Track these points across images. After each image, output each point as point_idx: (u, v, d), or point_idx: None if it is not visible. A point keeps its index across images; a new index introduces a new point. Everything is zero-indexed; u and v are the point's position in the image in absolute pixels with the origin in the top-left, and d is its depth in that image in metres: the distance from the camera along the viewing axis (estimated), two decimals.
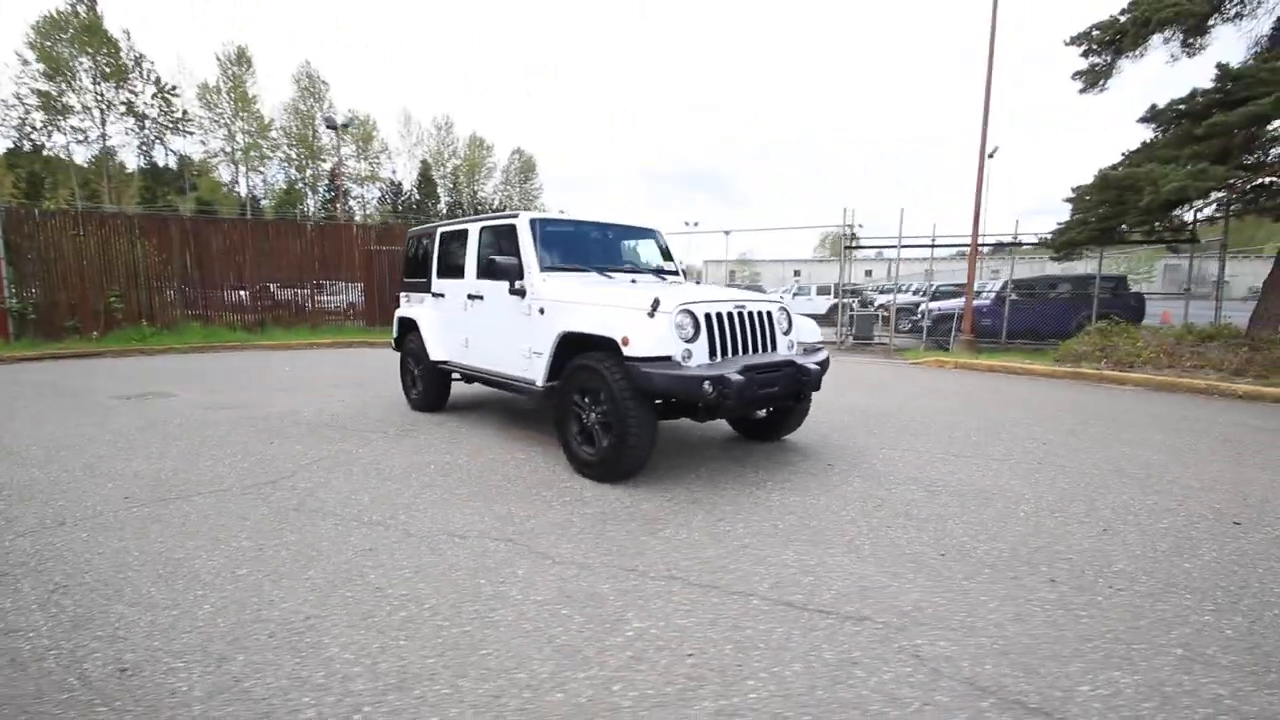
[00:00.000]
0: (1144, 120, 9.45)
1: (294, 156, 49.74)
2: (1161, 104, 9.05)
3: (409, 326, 6.14)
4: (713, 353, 3.79)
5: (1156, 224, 10.47)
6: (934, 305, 14.24)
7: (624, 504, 3.44)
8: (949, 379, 8.83)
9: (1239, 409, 6.37)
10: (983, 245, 13.70)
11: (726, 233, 17.99)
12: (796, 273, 49.02)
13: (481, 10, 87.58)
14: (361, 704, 1.78)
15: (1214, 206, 9.60)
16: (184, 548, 2.85)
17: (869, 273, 38.57)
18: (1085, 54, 10.44)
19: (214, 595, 2.40)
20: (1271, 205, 8.89)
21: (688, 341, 3.66)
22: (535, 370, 4.40)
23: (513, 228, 4.70)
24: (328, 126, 35.85)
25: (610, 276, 4.74)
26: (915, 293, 19.66)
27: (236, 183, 49.67)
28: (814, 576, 2.60)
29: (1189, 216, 10.39)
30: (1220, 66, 8.09)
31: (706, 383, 3.45)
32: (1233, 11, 9.76)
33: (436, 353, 5.62)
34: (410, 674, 1.92)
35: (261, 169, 49.83)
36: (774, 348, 4.18)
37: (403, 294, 6.38)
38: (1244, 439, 5.09)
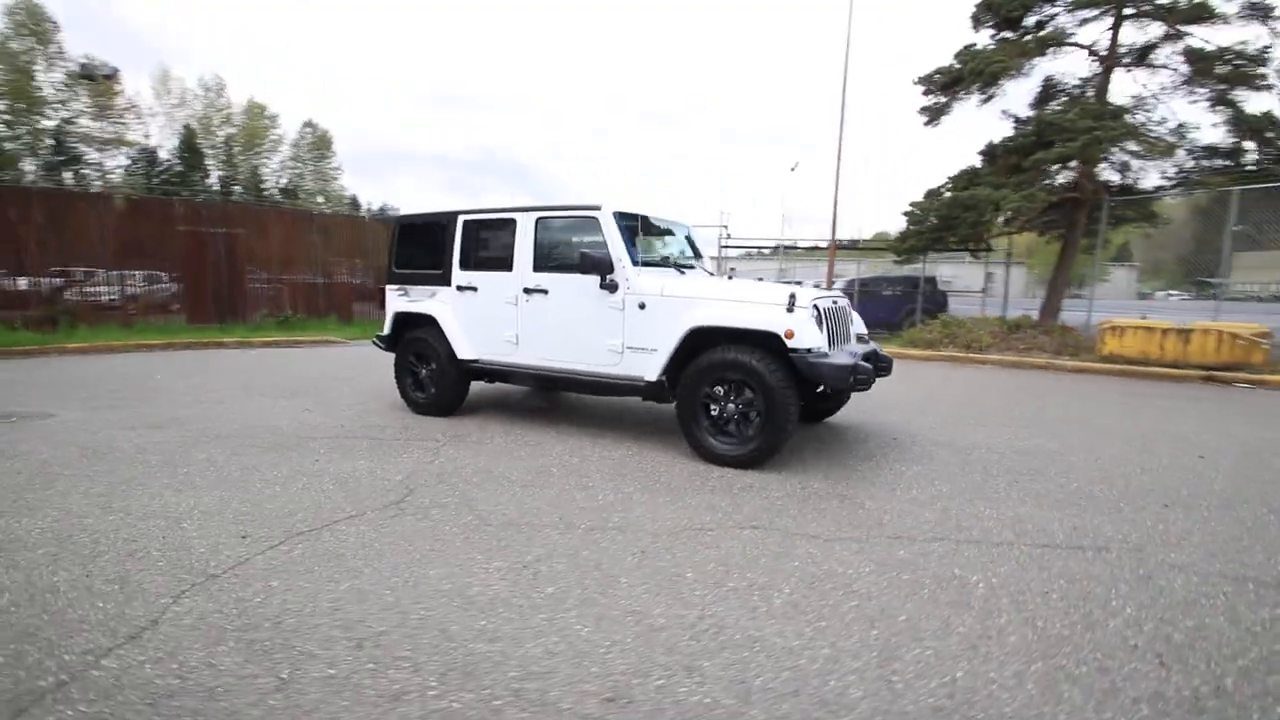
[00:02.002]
0: (983, 154, 11.80)
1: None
2: (989, 141, 11.42)
3: (412, 323, 5.54)
4: (829, 343, 4.16)
5: (969, 236, 13.10)
6: None
7: (791, 487, 3.66)
8: None
9: (1087, 380, 8.43)
10: (815, 244, 15.82)
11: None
12: None
13: None
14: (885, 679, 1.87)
15: (1017, 222, 12.27)
16: (426, 576, 2.48)
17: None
18: (926, 93, 12.68)
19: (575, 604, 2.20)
20: (1059, 221, 11.75)
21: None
22: (640, 366, 4.36)
23: (594, 220, 4.56)
24: (84, 76, 28.48)
25: (663, 269, 4.81)
26: None
27: None
28: (1022, 522, 3.13)
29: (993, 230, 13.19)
30: (1036, 115, 10.49)
31: (852, 371, 3.82)
32: (1021, 72, 12.59)
33: (465, 351, 5.17)
34: (891, 645, 2.04)
35: None
36: (849, 338, 4.67)
37: (394, 287, 5.70)
38: (1131, 404, 6.83)
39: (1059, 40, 11.56)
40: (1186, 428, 5.49)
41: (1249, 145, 11.30)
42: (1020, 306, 14.66)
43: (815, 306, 4.04)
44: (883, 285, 16.50)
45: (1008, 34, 12.84)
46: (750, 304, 4.05)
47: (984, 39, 12.67)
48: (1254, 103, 11.03)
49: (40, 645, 2.00)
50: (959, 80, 11.76)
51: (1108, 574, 2.60)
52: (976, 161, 12.84)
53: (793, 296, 3.94)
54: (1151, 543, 2.93)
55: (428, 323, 5.38)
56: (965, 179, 12.35)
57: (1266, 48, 10.85)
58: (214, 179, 53.22)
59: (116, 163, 45.06)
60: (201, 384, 7.11)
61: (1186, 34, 11.28)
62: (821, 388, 4.02)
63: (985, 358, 9.95)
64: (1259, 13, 10.44)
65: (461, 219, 5.24)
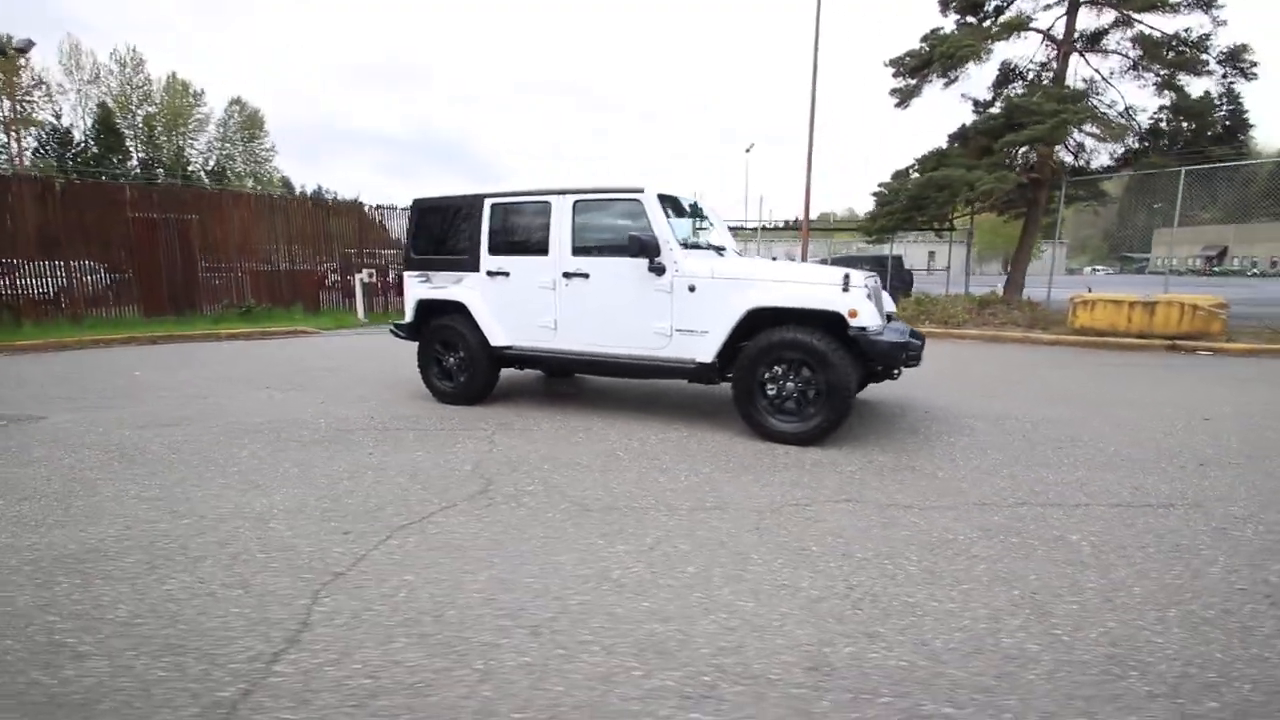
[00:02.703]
0: (955, 136, 12.21)
1: None
2: (962, 123, 11.83)
3: (436, 310, 5.39)
4: None
5: (937, 215, 13.58)
6: None
7: (859, 461, 3.77)
8: None
9: (1064, 352, 8.90)
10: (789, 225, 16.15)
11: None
12: None
13: None
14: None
15: (988, 201, 12.79)
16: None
17: None
18: (896, 75, 13.00)
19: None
20: (1019, 200, 12.32)
21: None
22: (690, 348, 4.38)
23: (637, 202, 4.53)
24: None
25: (705, 251, 4.83)
26: None
27: None
28: (1086, 485, 3.33)
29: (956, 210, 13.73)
30: (1006, 99, 10.93)
31: (904, 348, 3.96)
32: (984, 56, 13.04)
33: (498, 338, 5.07)
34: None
35: None
36: (886, 316, 4.82)
37: (414, 274, 5.51)
38: (1116, 373, 7.28)
39: (1021, 25, 12.03)
40: (1179, 393, 5.92)
41: (1188, 126, 12.10)
42: (973, 284, 15.35)
43: (867, 285, 4.15)
44: (852, 265, 16.97)
45: (970, 19, 13.29)
46: (808, 284, 4.12)
47: (950, 23, 13.06)
48: (1195, 87, 11.82)
49: (195, 656, 1.90)
50: (928, 63, 12.11)
51: (1185, 528, 2.82)
52: (942, 143, 13.31)
53: (847, 276, 4.04)
54: (1208, 498, 3.18)
55: (455, 309, 5.24)
56: (934, 160, 12.77)
57: (1207, 35, 11.62)
58: (135, 161, 49.72)
59: (26, 145, 41.46)
60: (188, 379, 6.74)
61: (1137, 20, 11.93)
62: (880, 366, 4.13)
63: (964, 333, 10.41)
64: (1202, 2, 11.12)
65: (489, 202, 5.10)
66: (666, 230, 4.44)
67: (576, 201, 4.77)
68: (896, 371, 4.25)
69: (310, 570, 2.42)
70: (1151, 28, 11.90)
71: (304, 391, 6.01)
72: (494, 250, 5.09)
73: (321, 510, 3.02)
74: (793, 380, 4.07)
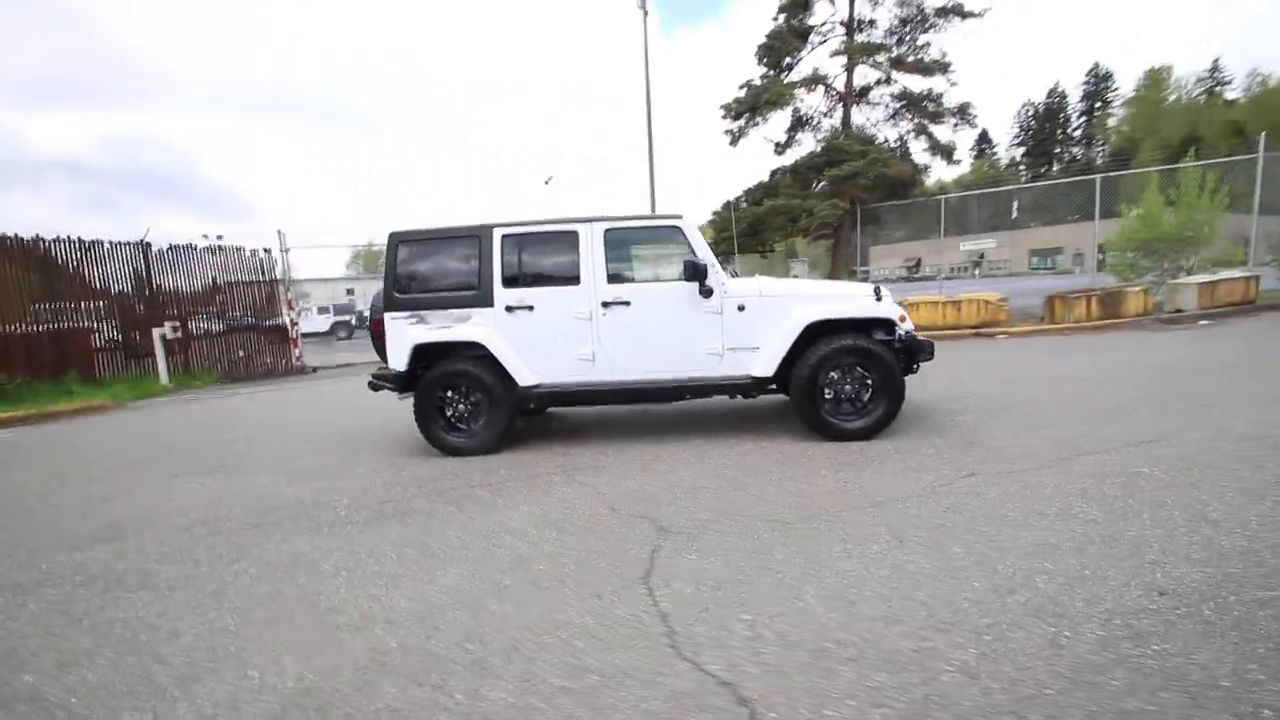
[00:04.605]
0: (791, 170, 14.02)
1: None
2: (795, 158, 13.72)
3: (437, 353, 4.82)
4: None
5: (769, 239, 15.47)
6: None
7: (920, 445, 4.30)
8: None
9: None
10: None
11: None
12: (349, 291, 46.52)
13: None
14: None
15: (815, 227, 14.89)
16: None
17: None
18: (724, 117, 14.62)
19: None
20: (832, 226, 14.63)
21: None
22: (743, 364, 4.60)
23: (678, 229, 4.64)
24: None
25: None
26: None
27: None
28: (1127, 435, 4.27)
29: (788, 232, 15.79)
30: (825, 139, 12.96)
31: (930, 347, 4.66)
32: (788, 104, 15.29)
33: (526, 377, 4.73)
34: None
35: None
36: None
37: (400, 314, 4.83)
38: (990, 354, 9.00)
39: (820, 80, 14.43)
40: (1074, 364, 7.36)
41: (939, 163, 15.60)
42: None
43: (889, 296, 4.78)
44: None
45: (771, 72, 15.53)
46: (854, 298, 4.63)
47: (758, 75, 15.13)
48: (940, 133, 15.30)
49: None
50: (755, 108, 13.90)
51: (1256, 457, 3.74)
52: (763, 177, 15.28)
53: (878, 289, 4.63)
54: (1163, 430, 4.29)
55: (463, 351, 4.77)
56: (760, 192, 14.59)
57: (942, 94, 15.13)
58: None
59: None
60: (43, 478, 5.04)
61: (895, 80, 15.06)
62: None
63: None
64: (940, 68, 14.47)
65: (499, 232, 4.76)
66: (709, 254, 4.62)
67: (608, 230, 4.71)
68: (915, 366, 4.94)
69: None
70: (905, 87, 15.11)
71: (243, 475, 4.89)
72: (510, 283, 4.75)
73: (567, 597, 2.65)
74: (849, 383, 4.51)
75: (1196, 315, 10.62)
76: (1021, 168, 63.78)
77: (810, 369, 4.48)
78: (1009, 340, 10.48)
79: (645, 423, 5.68)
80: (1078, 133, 67.88)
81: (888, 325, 4.52)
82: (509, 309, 4.76)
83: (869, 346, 4.43)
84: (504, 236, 4.77)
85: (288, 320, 13.50)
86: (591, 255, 4.69)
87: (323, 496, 4.12)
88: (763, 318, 4.60)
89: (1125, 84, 68.50)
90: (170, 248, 11.75)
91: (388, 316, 4.90)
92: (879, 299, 4.59)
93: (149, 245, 11.60)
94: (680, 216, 4.69)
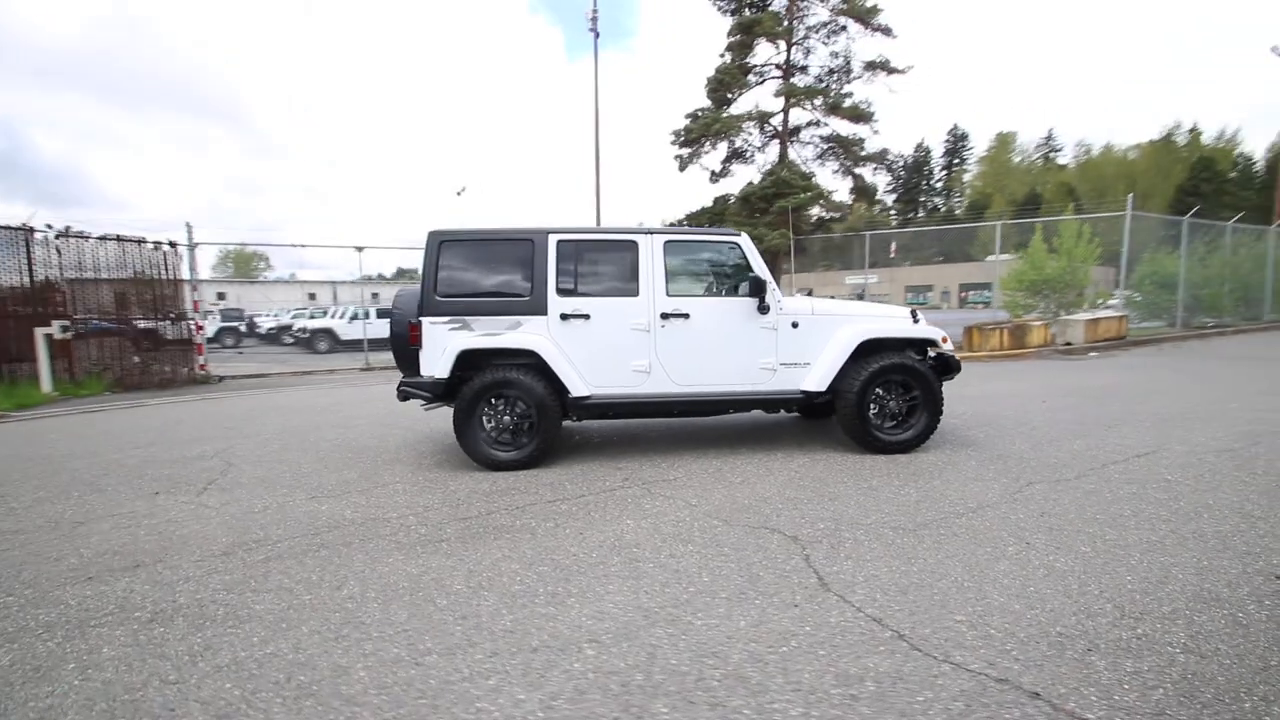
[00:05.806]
0: (741, 198, 14.55)
1: None
2: (747, 184, 14.29)
3: (482, 361, 4.55)
4: None
5: None
6: None
7: (963, 456, 4.64)
8: None
9: None
10: None
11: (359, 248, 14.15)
12: (220, 295, 42.58)
13: None
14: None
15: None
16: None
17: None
18: (673, 144, 15.01)
19: None
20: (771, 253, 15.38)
21: None
22: (794, 379, 4.75)
23: (737, 246, 4.73)
24: None
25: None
26: None
27: None
28: (1104, 446, 4.82)
29: None
30: (771, 171, 13.66)
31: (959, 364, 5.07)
32: (737, 136, 15.99)
33: (579, 387, 4.57)
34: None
35: None
36: None
37: (441, 319, 4.51)
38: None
39: (765, 116, 15.25)
40: (1015, 387, 8.32)
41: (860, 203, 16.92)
42: None
43: (922, 318, 5.15)
44: None
45: (713, 107, 16.21)
46: (897, 319, 4.93)
47: (705, 107, 15.73)
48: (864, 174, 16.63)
49: None
50: (704, 137, 14.43)
51: (1244, 464, 4.39)
52: (706, 203, 15.83)
53: (914, 310, 4.98)
54: (1168, 440, 4.93)
55: (511, 358, 4.55)
56: (706, 217, 15.09)
57: (863, 139, 16.49)
58: None
59: None
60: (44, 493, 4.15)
61: (825, 123, 16.25)
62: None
63: None
64: (866, 116, 15.79)
65: (554, 239, 4.61)
66: (766, 271, 4.75)
67: (668, 242, 4.71)
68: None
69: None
70: (834, 130, 16.34)
71: (246, 493, 4.32)
72: (567, 292, 4.60)
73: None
74: (893, 399, 4.79)
75: (1085, 347, 12.26)
76: (892, 213, 70.32)
77: (861, 384, 4.70)
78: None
79: (659, 436, 5.66)
80: (939, 184, 76.16)
81: (929, 344, 4.86)
82: (564, 317, 4.60)
83: (915, 364, 4.74)
84: (559, 243, 4.63)
85: (193, 324, 12.06)
86: (651, 267, 4.67)
87: (374, 514, 3.73)
88: (815, 335, 4.79)
89: (980, 144, 77.93)
90: (59, 235, 10.14)
91: (426, 321, 4.57)
92: (916, 320, 4.93)
93: (32, 230, 9.95)
94: (740, 234, 4.80)
